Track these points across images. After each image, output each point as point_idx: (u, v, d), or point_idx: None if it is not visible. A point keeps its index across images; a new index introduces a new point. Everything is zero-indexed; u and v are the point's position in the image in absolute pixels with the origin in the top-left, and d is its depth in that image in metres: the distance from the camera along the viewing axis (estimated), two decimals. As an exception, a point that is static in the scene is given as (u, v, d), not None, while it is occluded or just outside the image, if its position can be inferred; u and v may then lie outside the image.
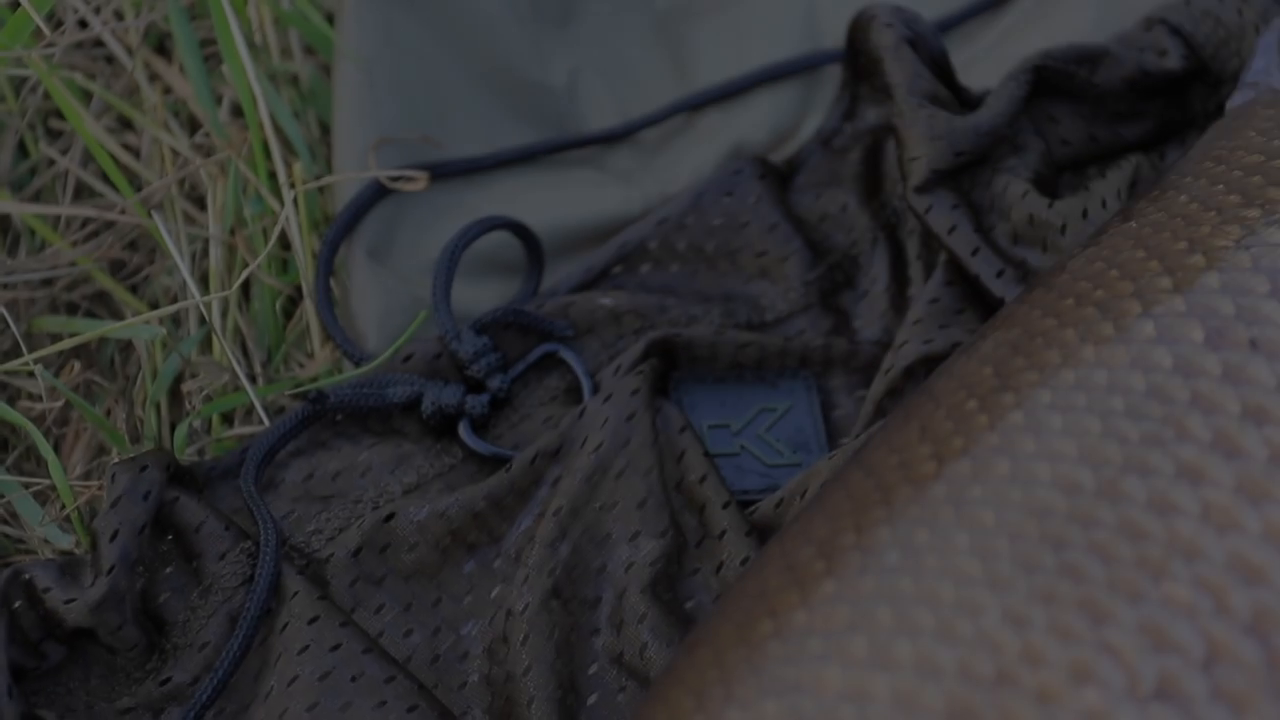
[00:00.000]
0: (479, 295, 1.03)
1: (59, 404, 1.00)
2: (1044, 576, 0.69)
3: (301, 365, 1.04)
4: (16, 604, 0.85)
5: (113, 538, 0.86)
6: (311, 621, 0.86)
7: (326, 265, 1.02)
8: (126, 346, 1.05)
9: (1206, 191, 0.85)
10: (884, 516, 0.74)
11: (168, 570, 0.88)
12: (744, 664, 0.71)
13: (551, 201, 1.06)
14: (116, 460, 0.92)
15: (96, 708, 0.86)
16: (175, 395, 1.03)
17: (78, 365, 1.03)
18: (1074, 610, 0.68)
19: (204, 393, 1.00)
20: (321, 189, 1.06)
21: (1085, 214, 0.98)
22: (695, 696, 0.71)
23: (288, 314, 1.06)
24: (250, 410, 1.01)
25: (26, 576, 0.86)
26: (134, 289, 1.07)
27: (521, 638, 0.89)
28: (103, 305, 1.07)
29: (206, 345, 1.04)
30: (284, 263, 1.06)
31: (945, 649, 0.68)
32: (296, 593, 0.87)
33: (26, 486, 0.97)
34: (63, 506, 0.96)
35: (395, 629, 0.90)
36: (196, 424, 1.01)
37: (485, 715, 0.88)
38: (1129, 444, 0.72)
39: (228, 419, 1.02)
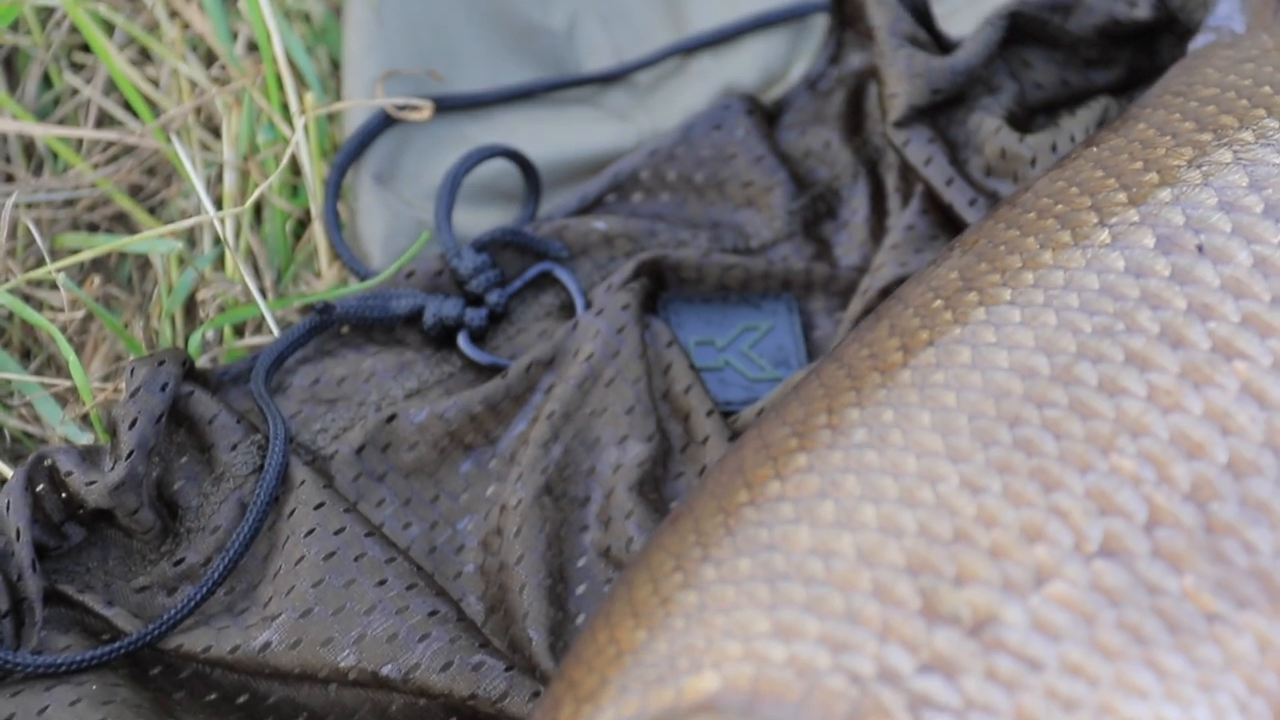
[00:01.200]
0: (479, 221, 1.08)
1: (80, 314, 1.06)
2: (1000, 450, 0.75)
3: (309, 284, 1.09)
4: (40, 487, 0.91)
5: (131, 425, 0.91)
6: (317, 507, 0.92)
7: (335, 189, 1.08)
8: (144, 265, 1.11)
9: (1164, 120, 0.90)
10: (853, 400, 0.79)
11: (182, 460, 0.94)
12: (720, 528, 0.76)
13: (549, 136, 1.12)
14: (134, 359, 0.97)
15: (114, 586, 0.92)
16: (190, 311, 1.09)
17: (97, 280, 1.08)
18: (1027, 478, 0.73)
19: (217, 302, 1.06)
20: (331, 120, 1.11)
21: (1054, 148, 1.03)
22: (675, 558, 0.77)
23: (297, 236, 1.11)
24: (261, 323, 1.07)
25: (49, 461, 0.91)
26: (151, 212, 1.13)
27: (515, 530, 0.94)
28: (122, 226, 1.12)
29: (220, 265, 1.09)
30: (294, 188, 1.12)
31: (907, 512, 0.73)
32: (303, 481, 0.92)
33: (46, 388, 1.03)
34: (82, 404, 1.01)
35: (395, 522, 0.96)
36: (209, 335, 1.06)
37: (480, 601, 0.94)
38: (1082, 334, 0.78)
39: (239, 331, 1.07)
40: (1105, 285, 0.80)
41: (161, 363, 0.93)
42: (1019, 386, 0.77)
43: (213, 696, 0.90)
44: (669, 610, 0.74)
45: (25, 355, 1.08)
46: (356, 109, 1.09)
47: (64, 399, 1.04)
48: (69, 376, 1.03)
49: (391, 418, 0.97)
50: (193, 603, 0.89)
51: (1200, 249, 0.80)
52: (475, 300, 1.03)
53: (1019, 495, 0.73)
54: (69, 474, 0.91)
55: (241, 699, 0.90)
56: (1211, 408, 0.75)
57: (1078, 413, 0.75)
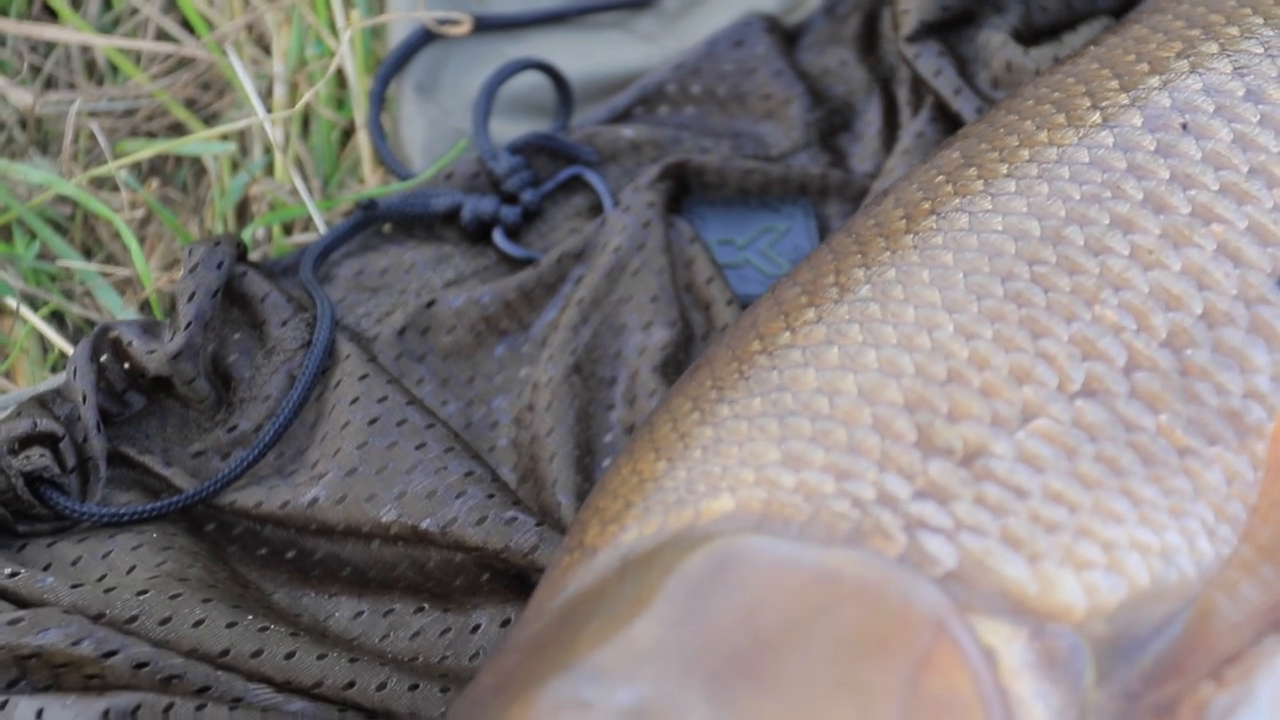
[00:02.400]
0: (513, 131, 1.15)
1: (139, 214, 1.13)
2: (992, 302, 0.81)
3: (354, 190, 1.16)
4: (104, 357, 0.97)
5: (189, 298, 0.98)
6: (362, 378, 0.98)
7: (378, 99, 1.14)
8: (199, 171, 1.18)
9: (1158, 21, 0.96)
10: (859, 261, 0.85)
11: (235, 335, 1.00)
12: (735, 373, 0.83)
13: (581, 55, 1.18)
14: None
15: (172, 451, 0.98)
16: (242, 214, 1.16)
17: (155, 183, 1.15)
18: (1016, 326, 0.80)
19: (267, 201, 1.13)
20: (375, 35, 1.18)
21: (1056, 59, 1.09)
22: (692, 401, 0.83)
23: (342, 145, 1.18)
24: (308, 223, 1.14)
25: (113, 333, 0.98)
26: (205, 123, 1.19)
27: (546, 404, 1.00)
28: (178, 135, 1.19)
29: (270, 172, 1.16)
30: (340, 101, 1.18)
31: (905, 356, 0.80)
32: (348, 355, 0.99)
33: (106, 277, 1.10)
34: (141, 291, 1.08)
35: (433, 399, 1.02)
36: (259, 233, 1.13)
37: (512, 472, 1.00)
38: (1071, 201, 0.84)
39: (287, 230, 1.14)
40: (1095, 159, 0.86)
41: (217, 243, 1.00)
42: (1011, 247, 0.83)
43: (263, 551, 0.97)
44: (688, 444, 0.81)
45: (86, 254, 1.15)
46: (399, 24, 1.16)
47: (123, 288, 1.11)
48: (131, 261, 1.10)
49: (431, 303, 1.04)
50: (246, 462, 0.96)
51: (1185, 127, 0.86)
52: (510, 198, 1.09)
53: (1009, 341, 0.79)
54: (130, 344, 0.97)
55: (290, 554, 0.97)
56: (1189, 265, 0.81)
57: (1065, 269, 0.81)
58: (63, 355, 1.08)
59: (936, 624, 0.71)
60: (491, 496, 0.95)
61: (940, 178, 0.89)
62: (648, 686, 0.70)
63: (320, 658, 0.89)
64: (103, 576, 0.91)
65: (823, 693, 0.69)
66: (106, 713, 0.83)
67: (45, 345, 1.09)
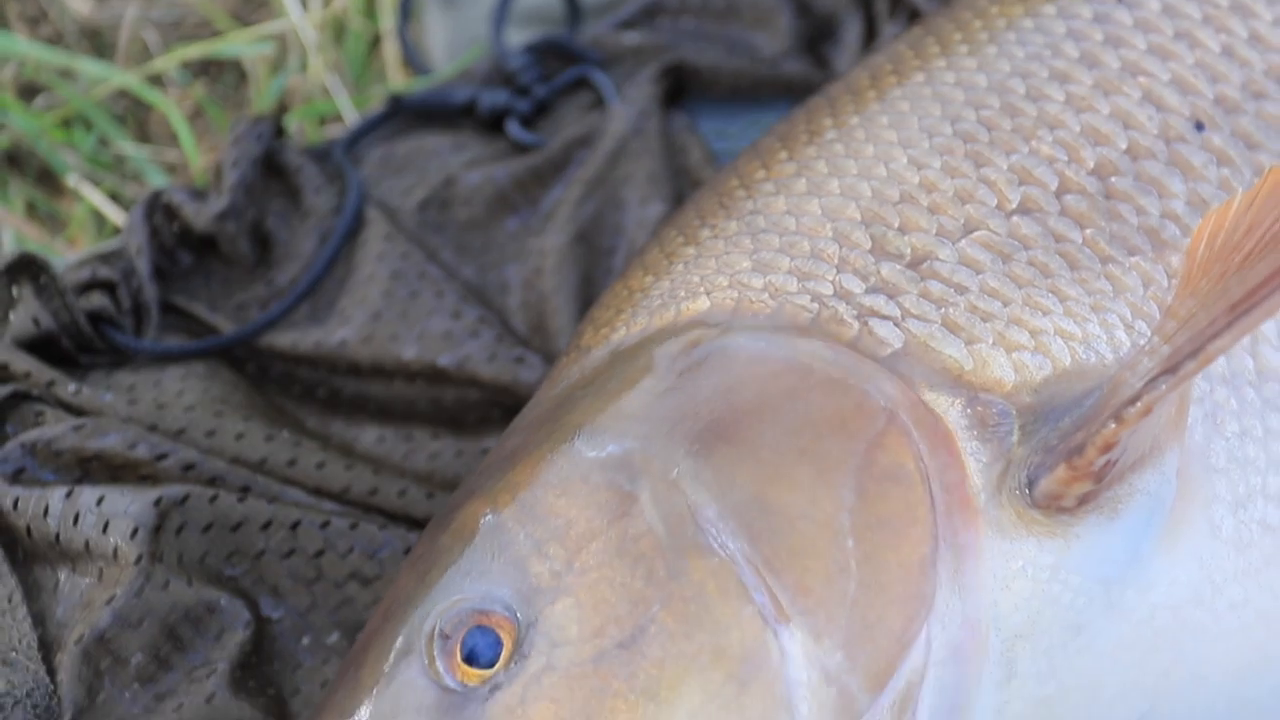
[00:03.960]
0: (526, 41, 1.26)
1: (187, 107, 1.24)
2: (942, 139, 0.92)
3: (382, 93, 1.28)
4: (156, 218, 1.09)
5: (234, 165, 1.09)
6: (386, 238, 1.09)
7: (405, 9, 1.26)
8: (240, 77, 1.29)
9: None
10: (828, 113, 0.96)
11: (274, 202, 1.12)
12: (716, 205, 0.94)
13: (589, -24, 1.30)
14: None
15: (216, 302, 1.10)
16: (280, 114, 1.27)
17: (200, 84, 1.26)
18: (962, 158, 0.91)
19: (302, 97, 1.24)
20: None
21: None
22: (678, 229, 0.94)
23: (371, 53, 1.29)
24: (340, 119, 1.25)
25: (166, 197, 1.09)
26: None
27: (552, 269, 1.11)
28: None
29: (305, 72, 1.28)
30: (370, 10, 1.30)
31: (864, 183, 0.91)
32: (375, 220, 1.10)
33: (157, 162, 1.21)
34: (189, 172, 1.20)
35: (450, 264, 1.13)
36: (294, 128, 1.25)
37: (523, 325, 1.11)
38: (1015, 59, 0.95)
39: (321, 122, 1.25)
40: (1038, 25, 0.97)
41: (259, 120, 1.12)
42: (961, 95, 0.94)
43: (296, 389, 1.08)
44: (671, 261, 0.92)
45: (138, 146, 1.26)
46: (424, -58, 1.28)
47: (171, 172, 1.22)
48: (179, 143, 1.22)
49: (449, 181, 1.15)
50: (283, 307, 1.07)
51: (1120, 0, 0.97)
52: (522, 91, 1.21)
53: (955, 170, 0.90)
54: (181, 205, 1.09)
55: (320, 392, 1.08)
56: (1117, 109, 0.92)
57: (1007, 113, 0.92)
58: (117, 230, 1.20)
59: (889, 413, 0.81)
60: (501, 339, 1.06)
61: (904, 47, 1.00)
62: (634, 441, 0.81)
63: (348, 469, 1.00)
64: (155, 398, 1.02)
65: (789, 457, 0.80)
66: (159, 500, 0.94)
67: (101, 222, 1.21)
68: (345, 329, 1.06)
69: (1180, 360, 0.75)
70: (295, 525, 0.96)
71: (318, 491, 0.99)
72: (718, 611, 0.76)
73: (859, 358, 0.84)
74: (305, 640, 0.95)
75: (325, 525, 0.96)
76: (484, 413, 1.06)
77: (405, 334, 1.06)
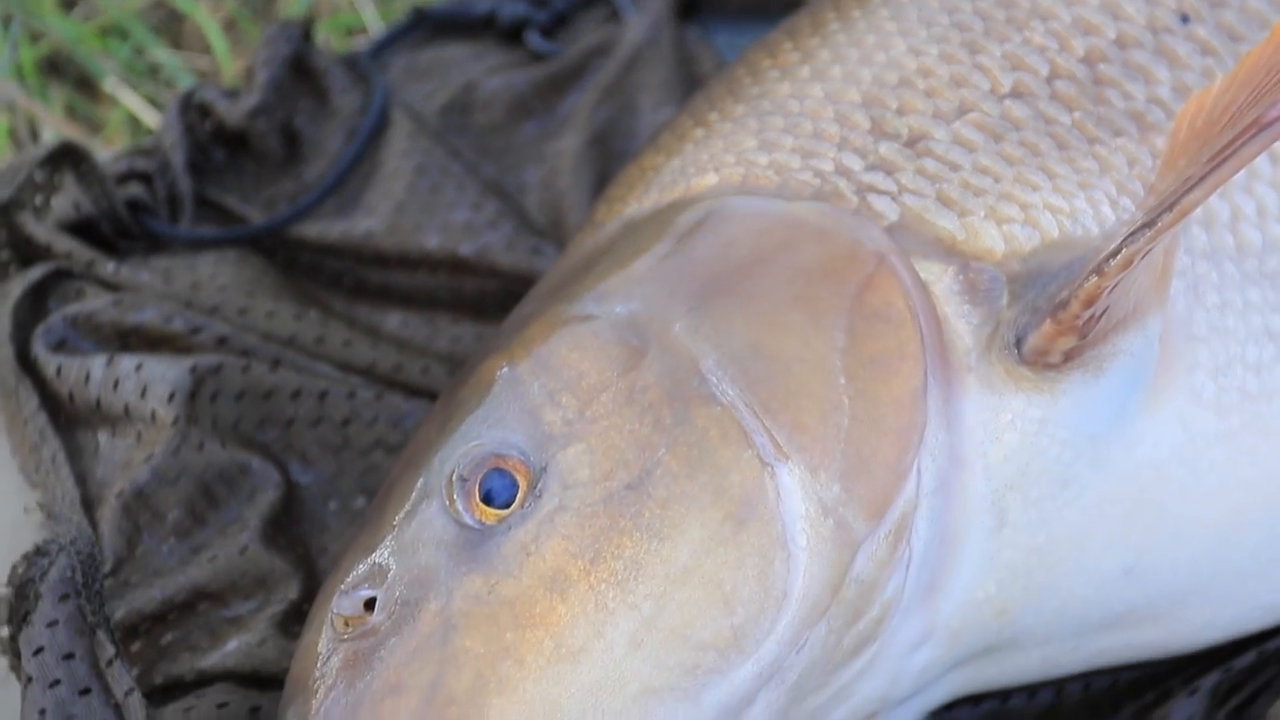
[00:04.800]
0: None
1: (220, 16, 1.29)
2: (939, 29, 0.96)
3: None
4: (190, 114, 1.14)
5: (265, 64, 1.14)
6: (410, 136, 1.14)
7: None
8: (271, -4, 1.35)
9: None
10: (832, 8, 1.01)
11: (302, 102, 1.17)
12: (725, 92, 0.99)
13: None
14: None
15: (247, 195, 1.15)
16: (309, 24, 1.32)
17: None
18: (958, 46, 0.95)
19: (330, 8, 1.29)
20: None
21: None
22: (689, 114, 0.99)
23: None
24: (365, 31, 1.30)
25: (200, 95, 1.14)
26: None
27: (569, 166, 1.16)
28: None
29: (332, -7, 1.33)
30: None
31: (864, 69, 0.95)
32: (399, 119, 1.15)
33: (188, 67, 1.26)
34: (220, 78, 1.25)
35: (471, 164, 1.18)
36: (322, 40, 1.29)
37: (540, 220, 1.16)
38: (1012, -43, 1.00)
39: (348, 33, 1.30)
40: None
41: (288, 24, 1.17)
42: (959, -11, 0.98)
43: (324, 279, 1.13)
44: (683, 142, 0.97)
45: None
46: None
47: (204, 76, 1.27)
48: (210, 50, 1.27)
49: (471, 86, 1.20)
50: (312, 198, 1.12)
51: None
52: (541, 3, 1.26)
53: (951, 57, 0.95)
54: (215, 103, 1.14)
55: (346, 281, 1.13)
56: (1106, 2, 0.96)
57: (1001, 4, 0.97)
58: (152, 134, 1.25)
59: (879, 256, 0.86)
60: (519, 230, 1.11)
61: (906, -52, 1.05)
62: (639, 302, 0.86)
63: (373, 347, 1.06)
64: (190, 279, 1.08)
65: (782, 305, 0.85)
66: (194, 368, 0.99)
67: (137, 126, 1.26)
68: (371, 220, 1.11)
69: (1158, 214, 0.80)
70: (323, 395, 1.01)
71: (344, 367, 1.04)
72: (718, 455, 0.81)
73: (850, 213, 0.88)
74: (332, 504, 1.00)
75: (351, 395, 1.01)
76: (503, 301, 1.11)
77: (428, 225, 1.11)
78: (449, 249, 1.10)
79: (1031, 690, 0.96)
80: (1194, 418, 0.88)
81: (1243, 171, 0.92)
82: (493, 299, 1.11)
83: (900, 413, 0.82)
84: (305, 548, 0.99)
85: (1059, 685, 0.96)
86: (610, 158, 1.18)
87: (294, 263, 1.13)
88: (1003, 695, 0.96)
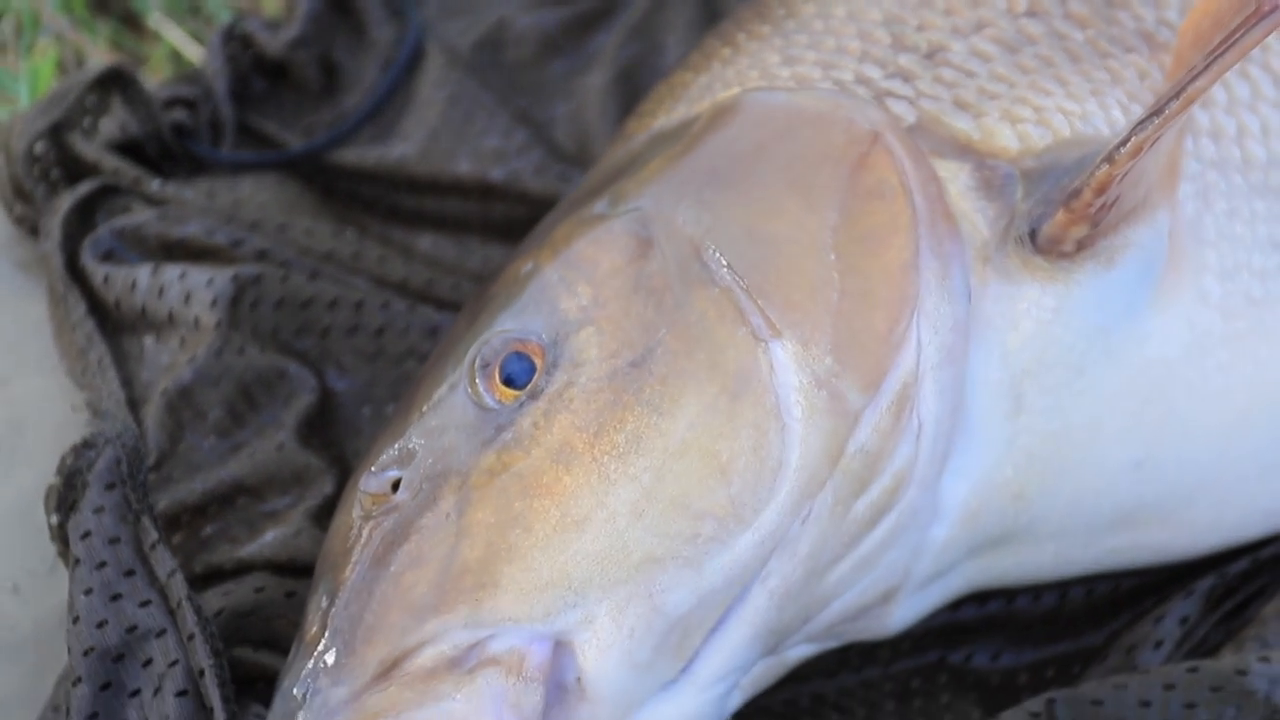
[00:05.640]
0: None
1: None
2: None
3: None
4: (233, 45, 1.18)
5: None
6: (444, 67, 1.18)
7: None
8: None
9: None
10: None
11: (341, 35, 1.21)
12: (753, 15, 1.03)
13: None
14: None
15: (286, 123, 1.19)
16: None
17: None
18: (976, -35, 0.99)
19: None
20: None
21: None
22: (718, 36, 1.03)
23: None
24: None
25: (242, 26, 1.18)
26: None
27: (596, 101, 1.20)
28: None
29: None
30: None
31: (886, -13, 0.99)
32: (433, 52, 1.19)
33: (230, 3, 1.30)
34: (259, 11, 1.29)
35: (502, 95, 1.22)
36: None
37: (568, 145, 1.19)
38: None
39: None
40: None
41: (327, -39, 1.21)
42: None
43: (359, 205, 1.16)
44: (709, 60, 1.00)
45: None
46: None
47: (244, 13, 1.31)
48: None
49: (503, 23, 1.24)
50: (350, 124, 1.16)
51: None
52: (572, -56, 1.30)
53: (969, -25, 0.98)
54: (255, 34, 1.18)
55: (381, 206, 1.16)
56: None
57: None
58: (193, 67, 1.29)
59: (874, 134, 0.89)
60: (549, 157, 1.14)
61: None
62: (650, 199, 0.89)
63: (406, 264, 1.09)
64: (231, 198, 1.11)
65: (778, 191, 0.88)
66: (236, 276, 1.03)
67: (179, 61, 1.30)
68: (405, 145, 1.15)
69: (1165, 102, 0.83)
70: (359, 305, 1.05)
71: (379, 282, 1.08)
72: (715, 333, 0.85)
73: (848, 94, 0.92)
74: (366, 410, 1.04)
75: (386, 306, 1.05)
76: (531, 226, 1.14)
77: (460, 151, 1.14)
78: (479, 174, 1.14)
79: (1036, 593, 0.99)
80: (1201, 319, 0.91)
81: (1247, 89, 0.96)
82: (521, 224, 1.15)
83: (891, 285, 0.85)
84: (339, 450, 1.02)
85: (1063, 589, 0.99)
86: (636, 94, 1.21)
87: (331, 189, 1.16)
88: (1008, 596, 0.99)
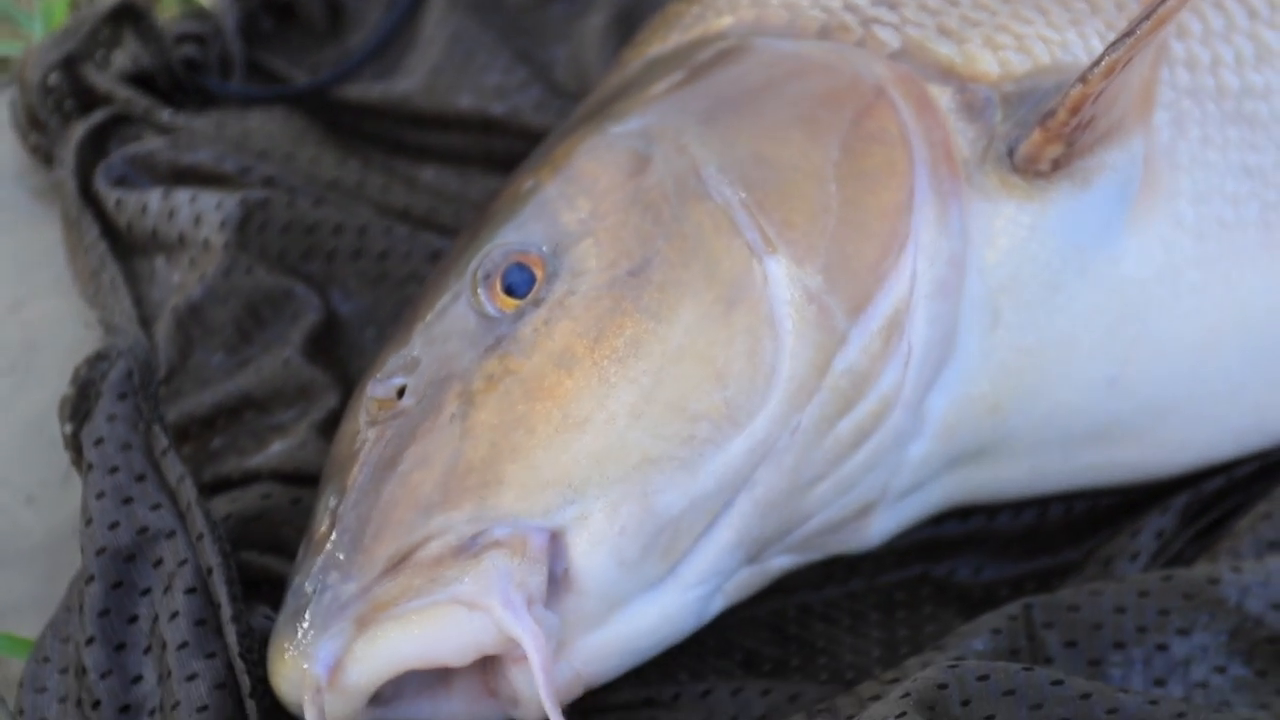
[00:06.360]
0: None
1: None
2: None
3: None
4: (243, -15, 1.22)
5: (312, -62, 1.22)
6: (445, 7, 1.22)
7: None
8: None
9: None
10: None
11: (346, -20, 1.25)
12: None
13: None
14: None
15: (293, 60, 1.22)
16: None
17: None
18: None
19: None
20: None
21: None
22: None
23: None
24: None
25: (250, -35, 1.22)
26: None
27: (594, 42, 1.23)
28: None
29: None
30: None
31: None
32: (437, -8, 1.23)
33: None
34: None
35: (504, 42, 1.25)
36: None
37: (568, 83, 1.22)
38: None
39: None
40: None
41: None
42: None
43: (363, 138, 1.20)
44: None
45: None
46: None
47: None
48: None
49: (501, -31, 1.28)
50: (354, 61, 1.19)
51: None
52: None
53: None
54: (265, -28, 1.22)
55: (385, 140, 1.20)
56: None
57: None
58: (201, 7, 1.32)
59: (879, 89, 0.93)
60: (549, 93, 1.18)
61: None
62: (653, 118, 0.93)
63: (409, 193, 1.13)
64: (240, 128, 1.15)
65: (785, 122, 0.92)
66: (244, 199, 1.06)
67: (188, 3, 1.33)
68: (408, 81, 1.18)
69: (1137, 24, 0.86)
70: (363, 230, 1.08)
71: (382, 209, 1.12)
72: (712, 245, 0.88)
73: (856, 49, 0.95)
74: (369, 332, 1.07)
75: (389, 231, 1.09)
76: (531, 160, 1.18)
77: (462, 86, 1.18)
78: (481, 109, 1.17)
79: (1017, 510, 1.02)
80: (1175, 240, 0.95)
81: (1222, 21, 1.00)
82: (522, 158, 1.17)
83: (884, 221, 0.89)
84: (344, 369, 1.05)
85: (1043, 507, 1.02)
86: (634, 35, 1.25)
87: (336, 123, 1.20)
88: (990, 513, 1.02)
